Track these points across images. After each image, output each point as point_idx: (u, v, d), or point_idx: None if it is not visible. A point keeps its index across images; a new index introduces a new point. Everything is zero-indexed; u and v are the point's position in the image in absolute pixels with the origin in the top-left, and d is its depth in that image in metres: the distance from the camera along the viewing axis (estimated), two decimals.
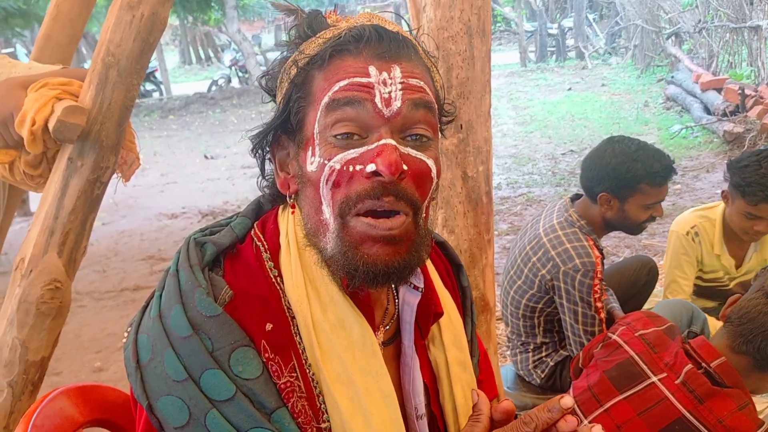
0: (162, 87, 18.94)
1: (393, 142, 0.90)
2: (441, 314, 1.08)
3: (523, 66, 16.69)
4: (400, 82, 0.92)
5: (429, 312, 1.06)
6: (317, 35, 0.97)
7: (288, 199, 1.02)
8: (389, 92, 0.91)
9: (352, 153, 0.91)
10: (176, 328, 0.90)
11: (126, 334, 0.97)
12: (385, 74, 0.91)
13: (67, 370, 3.87)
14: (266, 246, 1.00)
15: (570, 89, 12.97)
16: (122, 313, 4.65)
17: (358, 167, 0.91)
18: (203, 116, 14.83)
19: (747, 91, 7.83)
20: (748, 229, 2.75)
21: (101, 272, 5.47)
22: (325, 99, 0.92)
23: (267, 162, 1.06)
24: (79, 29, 1.93)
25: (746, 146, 6.88)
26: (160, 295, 0.96)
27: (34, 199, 6.11)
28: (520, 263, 2.71)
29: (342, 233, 0.92)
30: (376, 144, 0.90)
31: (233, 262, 0.99)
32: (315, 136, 0.93)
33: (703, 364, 1.74)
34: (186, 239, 1.02)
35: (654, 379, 1.77)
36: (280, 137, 1.01)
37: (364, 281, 0.93)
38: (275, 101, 1.03)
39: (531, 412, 0.89)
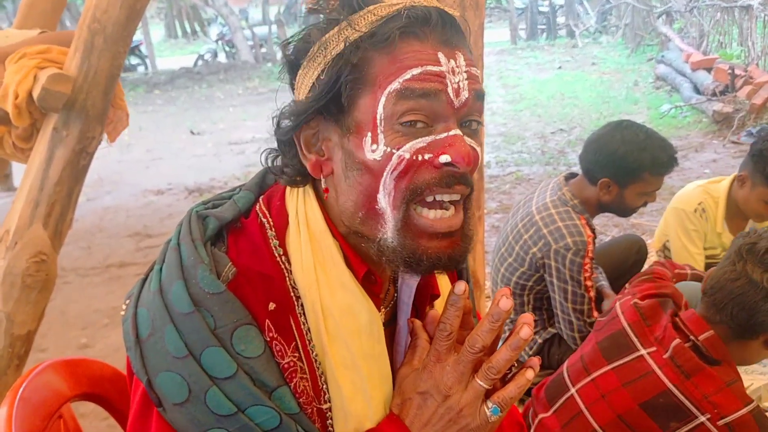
0: (147, 61, 18.69)
1: (461, 133, 0.89)
2: (438, 296, 1.07)
3: (513, 44, 16.61)
4: (465, 71, 0.90)
5: (426, 293, 1.05)
6: (368, 9, 0.92)
7: (322, 182, 0.97)
8: (458, 82, 0.89)
9: (420, 142, 0.88)
10: (177, 303, 0.88)
11: (125, 307, 0.94)
12: (452, 62, 0.89)
13: (52, 347, 3.84)
14: (272, 223, 0.98)
15: (560, 68, 12.94)
16: (108, 289, 4.62)
17: (427, 156, 0.88)
18: (189, 91, 14.67)
19: (737, 71, 7.85)
20: (763, 213, 2.75)
21: (86, 248, 5.42)
22: (395, 85, 0.87)
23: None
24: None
25: (734, 126, 6.90)
26: (161, 269, 0.93)
27: (18, 173, 6.04)
28: (512, 241, 2.71)
29: (402, 223, 0.91)
30: (445, 134, 0.89)
31: (237, 237, 0.97)
32: (378, 122, 0.89)
33: (692, 337, 1.74)
34: (188, 212, 0.99)
35: (643, 352, 1.77)
36: (311, 117, 0.95)
37: (427, 271, 0.93)
38: (291, 74, 0.98)
39: (441, 317, 0.92)
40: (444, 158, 0.88)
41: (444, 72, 0.88)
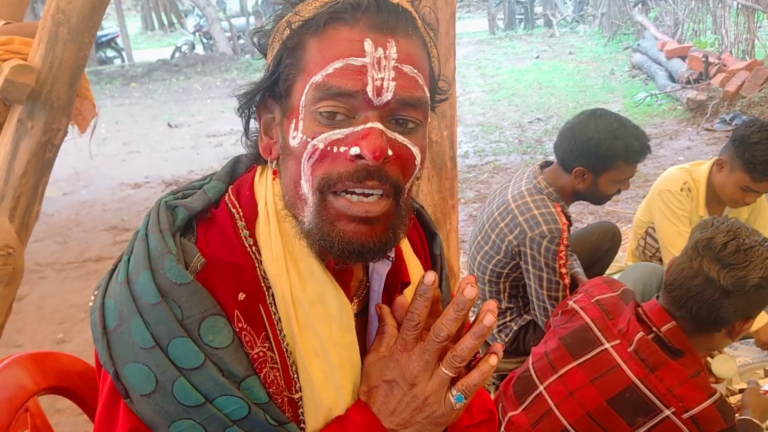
0: (124, 54, 18.44)
1: (380, 126, 0.88)
2: (408, 284, 1.07)
3: (491, 34, 16.62)
4: (393, 67, 0.88)
5: (397, 281, 1.05)
6: None
7: (270, 164, 0.99)
8: (381, 79, 0.87)
9: (337, 133, 0.88)
10: (144, 294, 0.88)
11: (93, 298, 0.94)
12: (380, 51, 0.87)
13: (28, 342, 3.81)
14: (241, 213, 0.98)
15: (538, 57, 12.97)
16: (85, 284, 4.58)
17: (342, 149, 0.88)
18: (167, 84, 14.51)
19: (710, 59, 7.93)
20: (738, 199, 2.78)
21: (62, 243, 5.36)
22: (318, 78, 0.88)
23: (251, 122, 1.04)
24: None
25: (708, 113, 6.98)
26: (128, 259, 0.93)
27: None
28: (488, 229, 2.72)
29: (320, 208, 0.91)
30: (362, 127, 0.88)
31: (207, 227, 0.97)
32: (300, 109, 0.90)
33: (654, 329, 1.75)
34: (156, 202, 0.99)
35: (607, 345, 1.77)
36: (267, 100, 0.97)
37: (339, 257, 0.92)
38: (266, 59, 0.99)
39: (409, 307, 0.92)
40: (354, 150, 0.88)
41: (367, 65, 0.87)
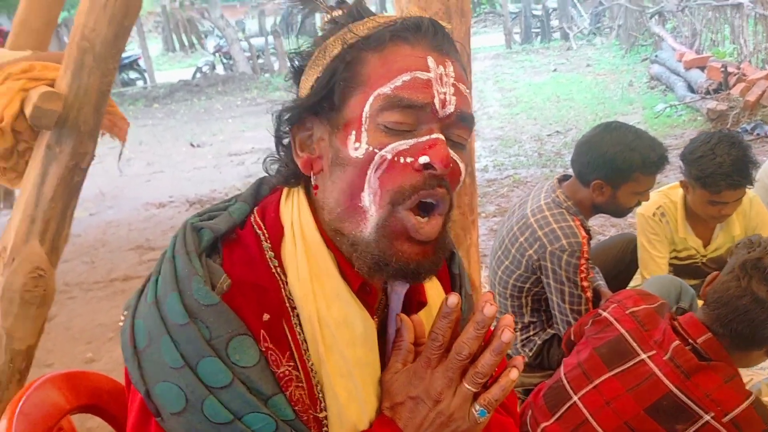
0: (146, 75, 18.73)
1: (443, 138, 0.92)
2: (424, 304, 1.08)
3: (508, 48, 16.65)
4: (453, 84, 0.93)
5: (414, 301, 1.07)
6: (368, 18, 0.97)
7: (312, 179, 1.00)
8: (445, 93, 0.92)
9: (403, 144, 0.91)
10: (172, 315, 0.90)
11: (123, 318, 0.96)
12: (441, 68, 0.92)
13: (58, 362, 3.84)
14: (266, 235, 0.99)
15: (555, 70, 12.95)
16: (112, 303, 4.63)
17: (409, 159, 0.91)
18: (188, 104, 14.70)
19: (730, 69, 7.87)
20: (714, 214, 2.75)
21: (89, 263, 5.43)
22: (386, 89, 0.91)
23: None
24: (54, 14, 1.90)
25: (729, 123, 6.92)
26: (156, 280, 0.95)
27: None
28: (508, 243, 2.72)
29: (386, 222, 0.92)
30: (427, 137, 0.91)
31: (232, 249, 0.98)
32: (363, 120, 0.92)
33: (690, 341, 1.75)
34: (183, 223, 1.01)
35: (643, 356, 1.77)
36: (305, 117, 0.99)
37: (393, 276, 0.95)
38: (296, 81, 1.02)
39: (433, 327, 0.93)
40: (423, 159, 0.90)
41: (432, 80, 0.91)
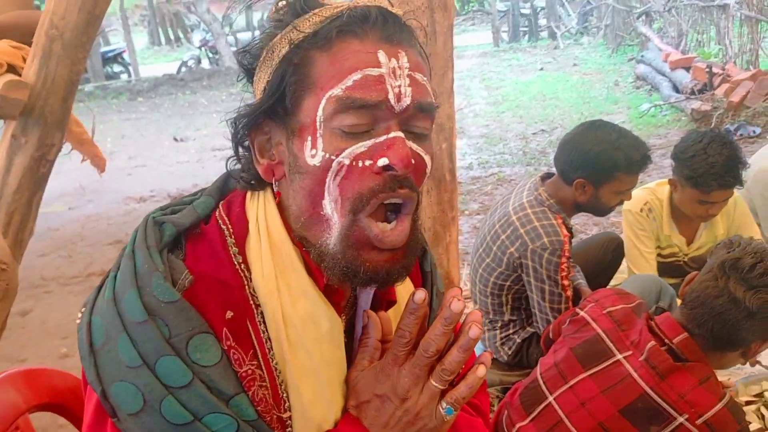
0: (130, 68, 18.58)
1: (402, 135, 0.88)
2: (394, 302, 1.06)
3: (495, 46, 16.64)
4: (408, 75, 0.89)
5: (383, 299, 1.04)
6: (312, 12, 0.92)
7: (274, 185, 0.97)
8: (399, 86, 0.88)
9: (361, 147, 0.88)
10: (131, 312, 0.87)
11: (80, 315, 0.93)
12: (394, 61, 0.88)
13: (32, 357, 3.80)
14: (231, 230, 0.96)
15: (542, 69, 12.97)
16: None
17: (367, 162, 0.88)
18: (173, 98, 14.59)
19: (714, 70, 7.90)
20: (701, 213, 2.76)
21: (67, 257, 5.37)
22: (337, 91, 0.87)
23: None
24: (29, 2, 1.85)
25: (713, 124, 6.95)
26: (115, 276, 0.92)
27: None
28: (489, 241, 2.71)
29: (348, 231, 0.89)
30: (385, 137, 0.88)
31: (195, 243, 0.95)
32: (318, 125, 0.88)
33: (666, 341, 1.74)
34: (144, 218, 0.98)
35: (619, 356, 1.77)
36: (261, 121, 0.95)
37: (362, 284, 0.92)
38: (250, 81, 0.98)
39: (400, 324, 0.90)
40: (382, 161, 0.87)
41: (384, 75, 0.87)
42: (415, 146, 0.91)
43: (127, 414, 0.85)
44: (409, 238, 0.93)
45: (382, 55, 0.88)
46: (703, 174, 2.60)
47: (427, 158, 0.93)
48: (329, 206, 0.90)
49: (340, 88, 0.87)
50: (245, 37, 18.49)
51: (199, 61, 18.57)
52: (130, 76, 18.36)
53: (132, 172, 8.36)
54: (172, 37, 26.22)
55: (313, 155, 0.89)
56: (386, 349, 0.98)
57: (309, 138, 0.89)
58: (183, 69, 17.62)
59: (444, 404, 0.90)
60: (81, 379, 0.93)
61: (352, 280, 0.91)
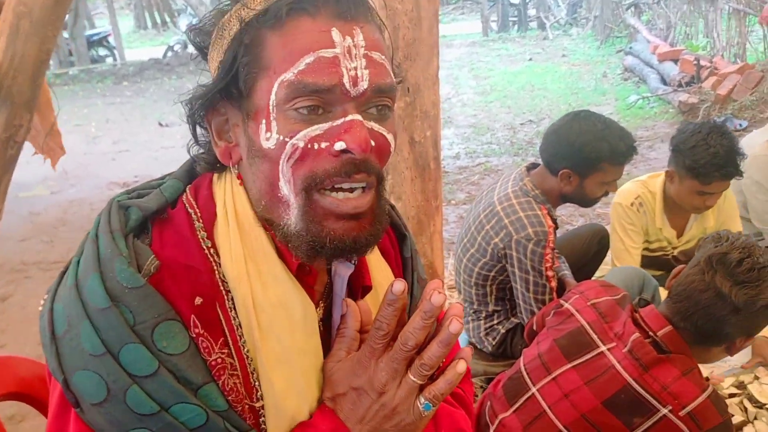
0: (115, 52, 18.35)
1: (360, 118, 0.85)
2: (369, 288, 1.03)
3: (484, 36, 16.60)
4: (364, 55, 0.85)
5: (358, 285, 1.02)
6: None
7: (232, 169, 0.94)
8: (355, 68, 0.84)
9: (316, 129, 0.85)
10: (93, 298, 0.84)
11: (42, 302, 0.90)
12: (348, 40, 0.84)
13: (12, 342, 3.75)
14: (199, 214, 0.94)
15: (531, 59, 12.96)
16: None
17: (323, 144, 0.85)
18: (158, 83, 14.45)
19: (702, 62, 7.93)
20: (699, 205, 2.75)
21: (48, 242, 5.31)
22: (289, 75, 0.84)
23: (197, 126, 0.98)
24: None
25: (700, 117, 6.97)
26: (78, 262, 0.89)
27: None
28: (474, 231, 2.69)
29: (306, 208, 0.87)
30: (342, 120, 0.85)
31: (162, 228, 0.93)
32: (271, 108, 0.85)
33: (651, 333, 1.73)
34: (108, 201, 0.94)
35: (603, 348, 1.76)
36: (217, 102, 0.92)
37: (331, 256, 0.89)
38: (206, 59, 0.95)
39: (378, 316, 0.87)
40: (339, 145, 0.85)
41: (339, 56, 0.84)
42: (376, 126, 0.88)
43: (90, 404, 0.83)
44: (374, 205, 0.91)
45: (335, 34, 0.84)
46: (705, 164, 2.59)
47: (389, 137, 0.91)
48: (285, 187, 0.88)
49: (292, 72, 0.84)
50: None
51: (185, 45, 18.34)
52: (115, 59, 18.14)
53: (116, 157, 8.26)
54: (158, 21, 25.96)
55: (267, 138, 0.87)
56: (364, 340, 0.95)
57: (263, 121, 0.87)
58: (169, 53, 17.41)
59: (422, 399, 0.88)
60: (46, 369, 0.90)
61: (319, 254, 0.89)
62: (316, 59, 0.84)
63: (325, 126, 0.85)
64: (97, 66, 16.98)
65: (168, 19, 25.18)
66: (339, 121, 0.85)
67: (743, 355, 2.67)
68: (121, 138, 9.38)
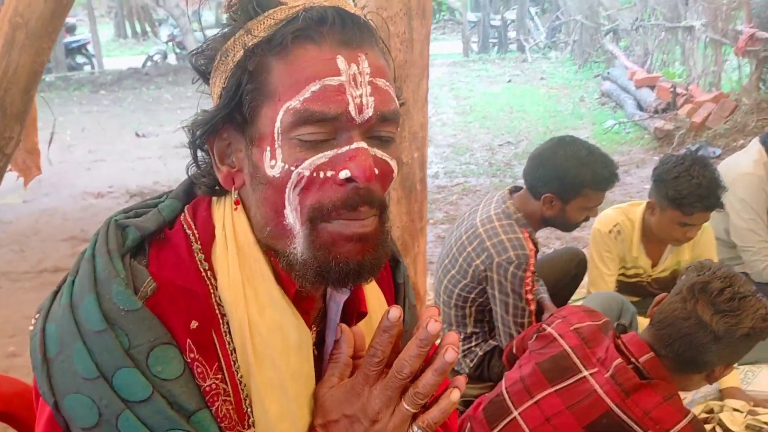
0: (94, 60, 18.19)
1: (365, 145, 0.85)
2: (364, 314, 1.02)
3: (465, 56, 16.77)
4: (369, 82, 0.85)
5: (353, 311, 1.01)
6: (266, 14, 0.87)
7: (233, 194, 0.93)
8: (360, 95, 0.84)
9: (322, 157, 0.84)
10: (88, 320, 0.82)
11: (33, 321, 0.88)
12: (354, 67, 0.84)
13: None
14: (197, 236, 0.92)
15: (510, 81, 13.10)
16: (40, 295, 4.41)
17: (329, 173, 0.84)
18: (137, 92, 14.33)
19: (678, 90, 8.08)
20: (679, 236, 2.77)
21: (19, 252, 5.21)
22: (294, 103, 0.83)
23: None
24: None
25: (675, 143, 7.09)
26: (73, 281, 0.87)
27: None
28: (455, 252, 2.70)
29: (313, 237, 0.86)
30: (347, 147, 0.84)
31: (160, 249, 0.91)
32: (276, 135, 0.84)
33: (632, 359, 1.75)
34: (106, 220, 0.93)
35: (585, 373, 1.77)
36: (220, 127, 0.91)
37: (337, 281, 0.88)
38: (207, 84, 0.94)
39: (372, 342, 0.86)
40: (344, 173, 0.84)
41: (344, 84, 0.84)
42: (379, 153, 0.88)
43: (81, 428, 0.81)
44: (378, 230, 0.90)
45: (341, 62, 0.84)
46: (687, 195, 2.61)
47: (392, 163, 0.90)
48: (291, 216, 0.87)
49: (298, 99, 0.83)
50: (214, 33, 18.24)
51: (165, 56, 18.27)
52: (93, 68, 17.99)
53: (91, 167, 8.15)
54: (138, 30, 25.81)
55: (272, 165, 0.85)
56: (357, 366, 0.95)
57: (268, 148, 0.86)
58: (149, 63, 17.31)
59: (415, 428, 0.87)
60: (32, 386, 0.88)
61: (325, 280, 0.88)
62: (322, 87, 0.83)
63: (330, 154, 0.85)
64: (75, 73, 16.81)
65: (148, 29, 25.05)
66: (344, 149, 0.84)
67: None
68: (97, 147, 9.26)
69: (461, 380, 0.87)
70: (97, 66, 17.91)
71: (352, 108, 0.84)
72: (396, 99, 0.90)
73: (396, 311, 0.85)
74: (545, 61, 15.33)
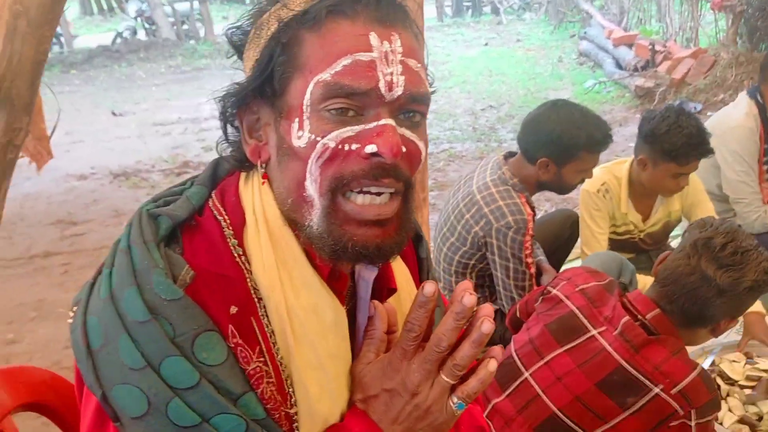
0: (62, 39, 17.78)
1: (393, 123, 0.85)
2: (394, 290, 1.04)
3: (440, 21, 16.66)
4: (401, 61, 0.85)
5: (383, 287, 1.02)
6: None
7: (260, 168, 0.94)
8: (391, 73, 0.85)
9: (348, 131, 0.85)
10: (131, 312, 0.83)
11: (72, 314, 0.88)
12: (386, 45, 0.85)
13: None
14: (228, 221, 0.93)
15: (486, 44, 13.05)
16: (32, 281, 4.40)
17: (354, 146, 0.85)
18: (108, 70, 14.04)
19: (657, 47, 8.10)
20: (673, 187, 2.81)
21: (7, 238, 5.13)
22: (325, 76, 0.84)
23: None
24: None
25: (656, 100, 7.14)
26: (110, 273, 0.87)
27: None
28: (453, 220, 2.72)
29: (329, 210, 0.87)
30: (375, 123, 0.85)
31: (192, 237, 0.91)
32: (305, 107, 0.85)
33: (639, 317, 1.79)
34: (137, 211, 0.93)
35: (594, 332, 1.81)
36: (250, 100, 0.92)
37: (353, 260, 0.90)
38: (240, 58, 0.94)
39: (408, 317, 0.88)
40: (370, 148, 0.85)
41: (375, 61, 0.84)
42: (408, 133, 0.89)
43: (130, 418, 0.82)
44: (400, 212, 0.91)
45: (374, 38, 0.85)
46: (681, 146, 2.65)
47: (420, 144, 0.91)
48: (311, 187, 0.88)
49: (329, 72, 0.84)
50: (183, 8, 17.90)
51: (135, 32, 17.88)
52: (62, 47, 17.59)
53: (70, 149, 8.01)
54: (105, 6, 25.21)
55: (299, 137, 0.87)
56: (391, 341, 0.96)
57: (296, 119, 0.87)
58: (118, 40, 16.95)
59: (455, 399, 0.89)
60: (60, 377, 0.88)
61: (341, 257, 0.89)
62: (354, 62, 0.84)
63: (357, 128, 0.85)
64: None
65: (115, 5, 24.47)
66: (371, 125, 0.85)
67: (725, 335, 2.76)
68: (73, 129, 9.08)
69: (497, 350, 0.89)
70: (66, 45, 17.50)
71: (382, 85, 0.84)
72: (426, 82, 0.91)
73: (431, 286, 0.86)
74: (520, 23, 15.27)
